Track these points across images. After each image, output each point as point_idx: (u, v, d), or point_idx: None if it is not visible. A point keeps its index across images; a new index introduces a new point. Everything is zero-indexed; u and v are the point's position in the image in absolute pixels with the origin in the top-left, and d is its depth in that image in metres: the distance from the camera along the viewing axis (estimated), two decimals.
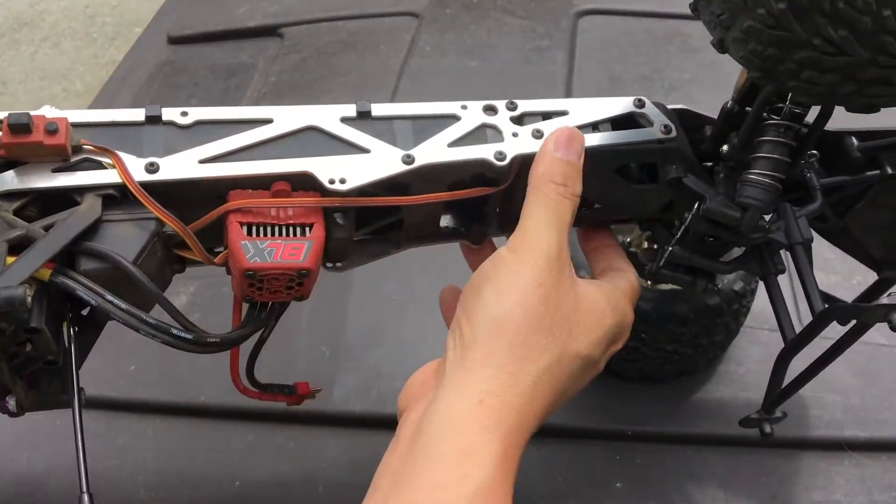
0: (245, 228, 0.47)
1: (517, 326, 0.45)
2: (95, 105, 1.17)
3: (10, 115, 0.45)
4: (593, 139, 0.53)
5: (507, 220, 0.56)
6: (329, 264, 0.55)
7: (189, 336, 0.47)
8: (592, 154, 0.52)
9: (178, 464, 0.72)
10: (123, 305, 0.45)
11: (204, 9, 1.31)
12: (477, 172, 0.52)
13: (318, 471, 0.71)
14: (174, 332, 0.47)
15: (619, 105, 0.56)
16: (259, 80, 1.14)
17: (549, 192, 0.48)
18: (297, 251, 0.47)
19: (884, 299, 0.45)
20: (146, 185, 0.47)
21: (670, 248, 0.56)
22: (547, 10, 1.22)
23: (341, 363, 0.77)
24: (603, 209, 0.57)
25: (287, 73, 1.14)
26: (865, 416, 0.71)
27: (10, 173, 0.46)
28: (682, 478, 0.68)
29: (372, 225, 0.54)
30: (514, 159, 0.51)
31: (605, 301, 0.49)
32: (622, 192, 0.55)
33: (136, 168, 0.47)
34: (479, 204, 0.55)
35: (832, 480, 0.68)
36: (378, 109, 0.53)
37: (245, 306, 0.54)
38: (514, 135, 0.52)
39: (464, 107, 0.53)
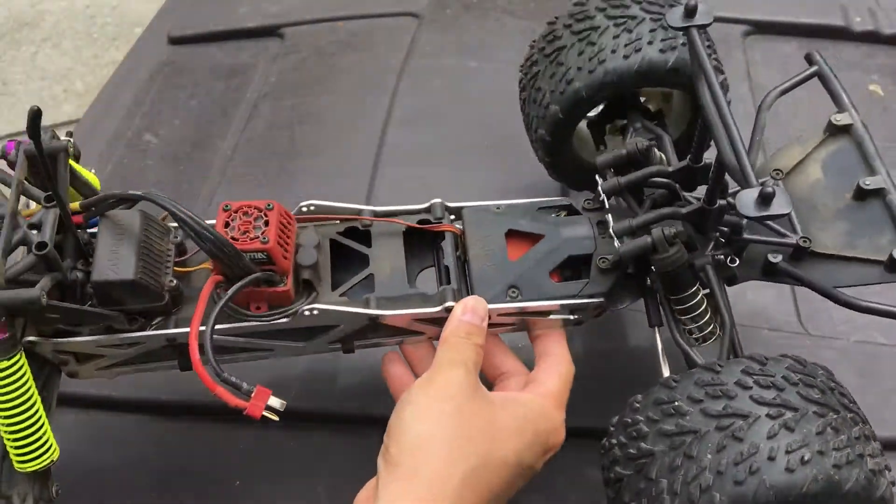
0: None
1: (438, 437, 0.52)
2: (96, 105, 1.17)
3: None
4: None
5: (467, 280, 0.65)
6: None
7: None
8: None
9: (178, 463, 0.73)
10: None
11: (204, 9, 1.31)
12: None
13: (318, 471, 0.71)
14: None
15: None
16: (259, 80, 1.14)
17: (454, 342, 0.58)
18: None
19: None
20: None
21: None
22: (547, 10, 1.22)
23: (341, 363, 0.77)
24: None
25: (287, 73, 1.15)
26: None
27: None
28: None
29: (347, 280, 0.64)
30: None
31: (526, 407, 0.57)
32: None
33: None
34: (437, 254, 0.67)
35: None
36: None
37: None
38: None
39: None
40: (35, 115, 0.50)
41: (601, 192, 0.66)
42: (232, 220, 0.58)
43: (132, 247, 0.57)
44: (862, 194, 0.66)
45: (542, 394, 0.59)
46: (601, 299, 0.63)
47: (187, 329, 0.57)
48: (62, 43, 2.43)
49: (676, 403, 0.53)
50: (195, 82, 1.16)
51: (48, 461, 0.57)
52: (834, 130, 0.69)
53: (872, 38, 1.14)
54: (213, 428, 0.75)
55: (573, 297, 0.63)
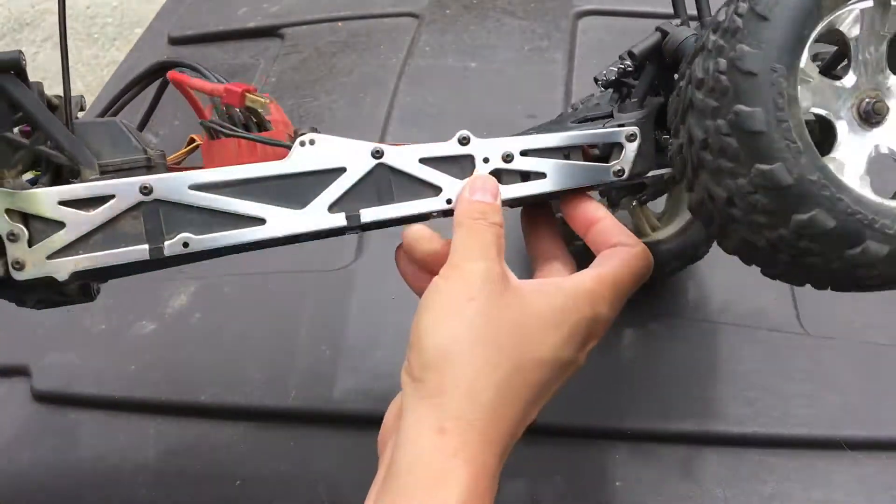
0: None
1: (462, 347, 0.46)
2: (96, 105, 1.17)
3: None
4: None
5: None
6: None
7: None
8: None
9: (178, 463, 0.73)
10: None
11: (204, 9, 1.31)
12: None
13: (318, 471, 0.71)
14: None
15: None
16: (260, 80, 1.14)
17: (469, 225, 0.50)
18: None
19: None
20: None
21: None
22: (547, 11, 1.22)
23: (341, 363, 0.77)
24: None
25: (287, 73, 1.15)
26: (865, 415, 0.71)
27: None
28: (682, 478, 0.69)
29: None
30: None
31: (564, 297, 0.49)
32: None
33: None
34: None
35: (831, 480, 0.68)
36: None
37: None
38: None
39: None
40: None
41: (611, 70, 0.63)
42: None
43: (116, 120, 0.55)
44: None
45: (589, 277, 0.51)
46: (633, 127, 0.57)
47: (165, 175, 0.52)
48: None
49: None
50: None
51: None
52: None
53: None
54: (213, 428, 0.75)
55: (599, 129, 0.57)
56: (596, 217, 0.55)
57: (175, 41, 1.25)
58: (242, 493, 0.70)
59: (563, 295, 0.49)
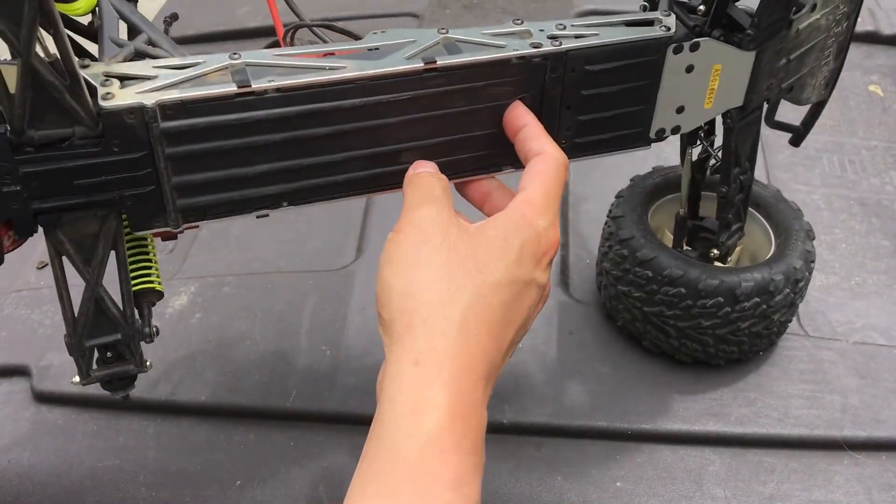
0: None
1: (419, 285, 0.49)
2: None
3: None
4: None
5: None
6: None
7: None
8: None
9: (178, 463, 0.73)
10: None
11: (204, 9, 1.31)
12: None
13: (318, 471, 0.71)
14: None
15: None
16: None
17: (413, 179, 0.54)
18: None
19: None
20: None
21: None
22: (547, 11, 1.22)
23: (341, 363, 0.77)
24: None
25: None
26: (865, 415, 0.71)
27: None
28: (682, 478, 0.69)
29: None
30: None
31: (504, 224, 0.52)
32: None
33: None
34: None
35: (831, 480, 0.68)
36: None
37: None
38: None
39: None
40: None
41: None
42: None
43: None
44: None
45: (519, 202, 0.54)
46: (666, 10, 0.62)
47: (252, 54, 0.55)
48: None
49: None
50: None
51: None
52: None
53: (872, 38, 1.14)
54: (214, 428, 0.75)
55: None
56: (523, 122, 0.58)
57: (175, 41, 1.25)
58: (242, 493, 0.70)
59: (503, 225, 0.52)
